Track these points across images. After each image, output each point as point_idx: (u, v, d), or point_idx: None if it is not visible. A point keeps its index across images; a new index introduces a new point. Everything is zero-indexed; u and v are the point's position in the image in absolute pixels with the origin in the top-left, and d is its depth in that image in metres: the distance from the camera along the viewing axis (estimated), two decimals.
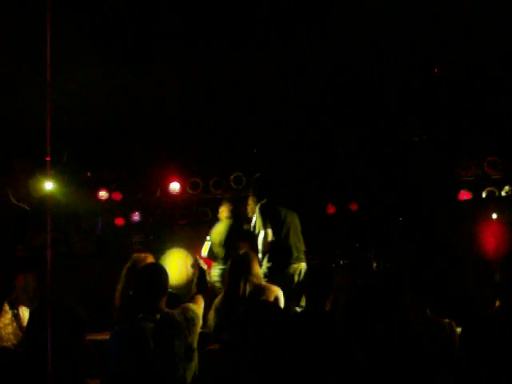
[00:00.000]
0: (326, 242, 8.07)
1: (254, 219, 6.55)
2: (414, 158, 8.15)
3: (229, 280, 4.83)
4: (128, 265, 4.86)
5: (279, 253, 6.27)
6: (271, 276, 6.05)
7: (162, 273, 3.77)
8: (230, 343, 4.15)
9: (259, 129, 7.80)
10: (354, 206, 8.65)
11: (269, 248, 6.28)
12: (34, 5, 3.96)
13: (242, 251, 5.01)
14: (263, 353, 3.38)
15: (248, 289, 4.66)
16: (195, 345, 3.65)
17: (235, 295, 4.64)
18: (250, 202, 6.91)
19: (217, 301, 4.85)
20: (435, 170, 8.21)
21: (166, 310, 3.65)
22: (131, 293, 4.36)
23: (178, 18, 5.15)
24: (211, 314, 4.78)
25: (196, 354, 3.68)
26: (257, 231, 6.40)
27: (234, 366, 3.63)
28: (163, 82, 6.47)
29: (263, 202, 6.47)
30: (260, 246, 6.33)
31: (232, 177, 8.44)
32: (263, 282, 4.88)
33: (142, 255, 4.91)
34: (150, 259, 4.87)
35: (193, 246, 8.83)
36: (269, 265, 6.25)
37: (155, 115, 7.36)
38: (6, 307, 4.19)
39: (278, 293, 4.73)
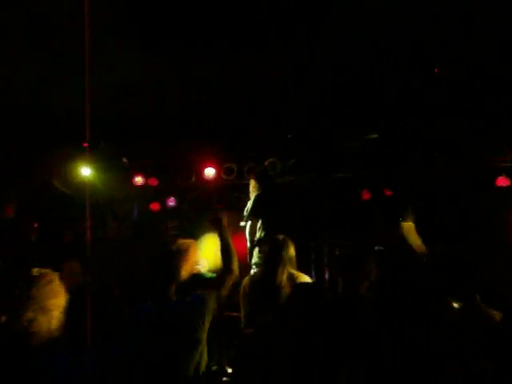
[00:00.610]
0: (361, 228, 8.04)
1: (248, 205, 6.63)
2: (451, 145, 8.04)
3: (265, 265, 4.83)
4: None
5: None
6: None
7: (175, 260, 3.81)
8: (267, 327, 4.16)
9: (293, 114, 7.78)
10: (388, 192, 8.57)
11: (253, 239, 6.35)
12: None
13: (280, 236, 5.01)
14: (307, 335, 3.38)
15: (284, 275, 4.66)
16: (202, 336, 3.63)
17: (272, 281, 4.63)
18: (252, 185, 7.01)
19: (246, 284, 4.84)
20: (472, 157, 8.08)
21: (175, 298, 3.68)
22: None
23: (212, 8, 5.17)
24: (241, 297, 4.80)
25: (203, 347, 3.67)
26: (245, 219, 6.49)
27: (271, 350, 3.65)
28: (197, 69, 6.50)
29: (260, 192, 6.54)
30: (247, 236, 6.41)
31: (266, 162, 8.42)
32: (294, 269, 4.88)
33: (188, 241, 4.99)
34: (193, 245, 4.95)
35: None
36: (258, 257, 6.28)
37: (190, 102, 7.40)
38: None
39: (307, 280, 4.73)
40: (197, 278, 4.87)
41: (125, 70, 6.20)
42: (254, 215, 6.54)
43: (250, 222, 6.42)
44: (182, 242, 5.04)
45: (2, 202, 7.62)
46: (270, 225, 6.47)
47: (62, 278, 3.25)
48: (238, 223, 8.54)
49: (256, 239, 6.54)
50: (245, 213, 6.75)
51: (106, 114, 6.65)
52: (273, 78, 6.86)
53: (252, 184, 7.09)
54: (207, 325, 3.72)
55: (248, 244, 6.31)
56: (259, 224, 6.44)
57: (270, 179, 7.04)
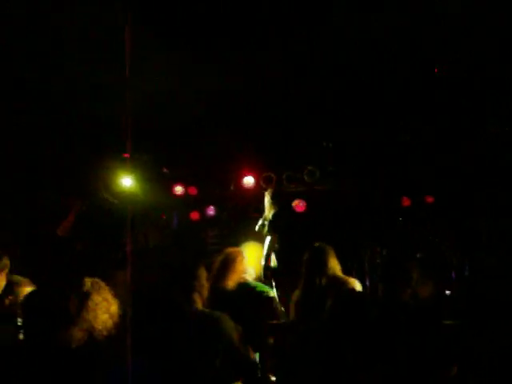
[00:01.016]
0: (402, 235, 7.97)
1: (262, 219, 6.67)
2: (492, 146, 7.90)
3: (305, 273, 4.83)
4: (220, 258, 5.00)
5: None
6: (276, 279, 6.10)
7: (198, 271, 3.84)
8: (307, 335, 4.15)
9: (331, 122, 7.77)
10: (429, 199, 8.46)
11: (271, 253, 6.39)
12: (114, 7, 4.10)
13: (317, 243, 4.99)
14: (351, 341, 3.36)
15: (324, 281, 4.64)
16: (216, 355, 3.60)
17: (311, 288, 4.63)
18: (266, 199, 7.05)
19: (296, 293, 4.86)
20: None
21: (201, 309, 3.68)
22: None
23: (253, 15, 5.21)
24: (292, 307, 4.80)
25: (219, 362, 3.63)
26: (264, 233, 6.52)
27: (312, 357, 3.63)
28: (236, 78, 6.54)
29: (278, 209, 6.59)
30: (265, 251, 6.44)
31: (305, 170, 8.42)
32: (340, 274, 4.84)
33: (236, 250, 5.05)
34: (241, 254, 5.01)
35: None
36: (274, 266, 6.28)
37: (229, 111, 7.45)
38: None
39: (356, 285, 4.69)
40: (243, 286, 4.90)
41: (165, 81, 6.28)
42: (273, 231, 6.60)
43: (269, 238, 6.49)
44: (230, 251, 5.10)
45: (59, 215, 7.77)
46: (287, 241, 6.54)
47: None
48: None
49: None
50: (258, 227, 6.81)
51: (146, 125, 6.76)
52: (311, 86, 6.86)
53: (267, 198, 7.14)
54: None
55: (263, 260, 6.35)
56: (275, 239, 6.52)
57: (283, 199, 7.10)
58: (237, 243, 8.66)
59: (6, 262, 3.62)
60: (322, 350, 3.43)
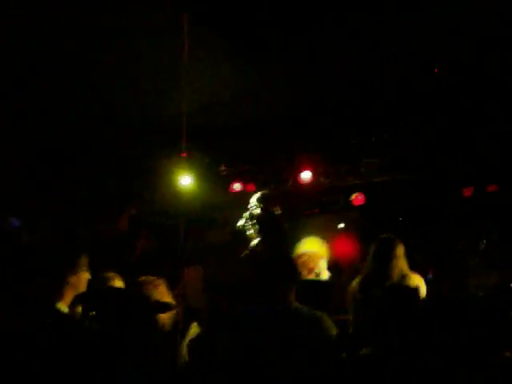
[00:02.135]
0: (463, 225, 7.79)
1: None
2: None
3: (373, 263, 4.71)
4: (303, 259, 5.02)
5: None
6: None
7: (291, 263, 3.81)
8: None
9: (389, 112, 7.66)
10: (492, 188, 8.22)
11: None
12: (171, 11, 4.15)
13: (388, 235, 4.88)
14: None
15: (393, 275, 4.55)
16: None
17: (380, 280, 4.50)
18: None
19: (354, 286, 4.77)
20: None
21: (295, 304, 3.62)
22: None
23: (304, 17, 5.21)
24: (350, 300, 4.73)
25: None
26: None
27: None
28: (290, 72, 6.54)
29: None
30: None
31: (363, 163, 8.33)
32: (405, 268, 4.72)
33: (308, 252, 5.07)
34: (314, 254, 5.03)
35: (326, 234, 8.85)
36: None
37: (285, 105, 7.45)
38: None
39: (419, 281, 4.58)
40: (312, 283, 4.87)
41: (220, 79, 6.33)
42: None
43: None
44: (303, 253, 5.10)
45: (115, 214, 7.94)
46: None
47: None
48: (336, 226, 8.49)
49: None
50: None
51: (203, 123, 6.84)
52: (366, 78, 6.79)
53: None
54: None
55: None
56: None
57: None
58: (296, 239, 8.68)
59: (81, 261, 3.71)
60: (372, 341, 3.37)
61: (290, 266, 3.82)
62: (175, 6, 4.64)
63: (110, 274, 4.29)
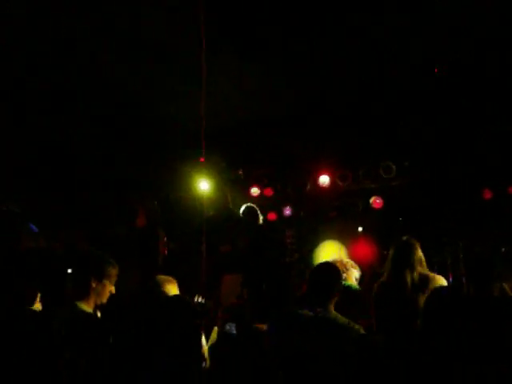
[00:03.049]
0: (484, 229, 7.73)
1: None
2: None
3: (392, 267, 4.69)
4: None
5: None
6: None
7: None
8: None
9: (406, 115, 7.63)
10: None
11: None
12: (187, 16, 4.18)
13: (405, 237, 4.87)
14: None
15: (414, 277, 4.52)
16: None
17: (399, 283, 4.49)
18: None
19: (376, 289, 4.74)
20: None
21: (333, 313, 3.68)
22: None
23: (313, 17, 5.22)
24: (372, 303, 4.71)
25: None
26: None
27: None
28: (304, 75, 6.55)
29: None
30: None
31: (381, 166, 8.30)
32: (426, 271, 4.70)
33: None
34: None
35: (344, 238, 8.83)
36: None
37: (300, 109, 7.45)
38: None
39: (443, 282, 4.55)
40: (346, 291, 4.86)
41: (239, 85, 6.35)
42: None
43: None
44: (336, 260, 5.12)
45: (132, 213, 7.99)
46: None
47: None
48: (356, 229, 8.47)
49: None
50: None
51: (221, 128, 6.87)
52: (384, 80, 6.78)
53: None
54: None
55: None
56: None
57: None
58: (315, 243, 8.67)
59: (110, 270, 3.76)
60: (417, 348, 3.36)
61: (334, 277, 3.88)
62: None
63: (164, 277, 4.40)
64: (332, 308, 3.72)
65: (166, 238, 8.08)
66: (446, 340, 3.27)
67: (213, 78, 4.97)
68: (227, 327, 3.59)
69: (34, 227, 8.25)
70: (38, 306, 4.76)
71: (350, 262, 5.34)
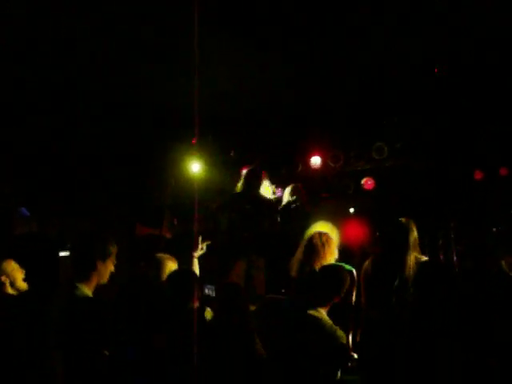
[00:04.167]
0: (475, 209, 7.77)
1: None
2: None
3: (392, 249, 4.69)
4: (309, 242, 5.03)
5: None
6: None
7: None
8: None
9: (398, 97, 7.64)
10: (503, 171, 8.18)
11: None
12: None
13: (403, 219, 4.88)
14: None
15: (408, 260, 4.54)
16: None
17: (400, 265, 4.48)
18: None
19: (367, 267, 4.75)
20: None
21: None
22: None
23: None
24: (362, 281, 4.74)
25: None
26: None
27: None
28: (301, 61, 6.55)
29: None
30: None
31: (373, 147, 8.31)
32: (417, 252, 4.72)
33: (324, 236, 5.08)
34: (328, 235, 5.04)
35: (335, 219, 8.85)
36: None
37: (293, 92, 7.44)
38: None
39: None
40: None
41: (231, 65, 6.33)
42: None
43: None
44: (319, 234, 5.12)
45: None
46: None
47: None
48: (347, 210, 8.48)
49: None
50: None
51: (212, 109, 6.84)
52: (371, 64, 6.78)
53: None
54: None
55: None
56: None
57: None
58: (307, 224, 8.67)
59: (111, 249, 3.75)
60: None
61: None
62: None
63: (164, 256, 4.50)
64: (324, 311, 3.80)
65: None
66: (437, 313, 3.30)
67: (207, 62, 4.96)
68: (206, 290, 3.62)
69: (25, 211, 8.22)
70: (21, 285, 4.77)
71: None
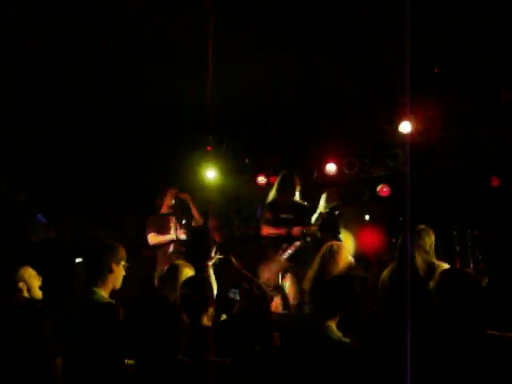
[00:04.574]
0: (491, 216, 7.69)
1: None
2: None
3: (400, 254, 4.70)
4: (321, 253, 5.02)
5: None
6: None
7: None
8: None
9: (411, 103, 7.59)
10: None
11: None
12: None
13: (422, 226, 4.87)
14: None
15: (419, 265, 4.53)
16: None
17: (406, 269, 4.50)
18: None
19: (385, 277, 4.76)
20: None
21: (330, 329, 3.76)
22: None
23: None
24: (381, 290, 4.73)
25: None
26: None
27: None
28: (315, 67, 6.53)
29: None
30: None
31: (388, 154, 8.26)
32: (434, 259, 4.71)
33: (335, 245, 5.07)
34: (339, 244, 5.03)
35: (351, 226, 8.81)
36: None
37: (308, 99, 7.42)
38: None
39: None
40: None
41: (245, 73, 6.33)
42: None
43: None
44: (331, 244, 5.12)
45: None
46: None
47: None
48: (363, 217, 8.44)
49: None
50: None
51: (227, 116, 6.84)
52: (387, 73, 6.75)
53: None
54: None
55: None
56: None
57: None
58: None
59: (123, 253, 3.78)
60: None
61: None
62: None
63: (181, 262, 4.57)
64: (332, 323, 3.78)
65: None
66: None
67: (221, 66, 4.96)
68: (231, 294, 3.61)
69: (42, 218, 8.27)
70: (37, 293, 4.82)
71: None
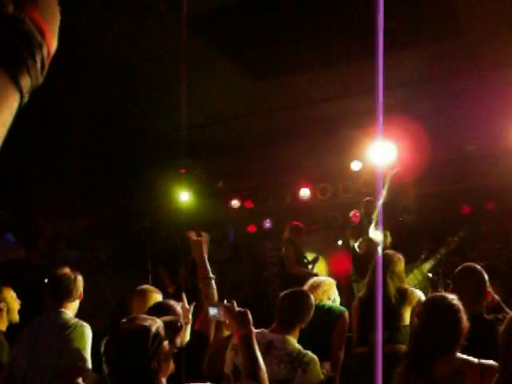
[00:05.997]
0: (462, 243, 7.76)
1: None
2: None
3: (370, 281, 4.71)
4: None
5: None
6: None
7: None
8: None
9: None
10: (490, 206, 8.22)
11: None
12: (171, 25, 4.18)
13: (388, 251, 4.90)
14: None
15: (391, 290, 4.53)
16: None
17: (382, 296, 4.47)
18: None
19: (356, 303, 4.77)
20: None
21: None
22: None
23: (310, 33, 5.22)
24: (353, 316, 4.72)
25: None
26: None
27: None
28: (289, 94, 6.57)
29: None
30: None
31: (361, 181, 8.32)
32: (405, 285, 4.72)
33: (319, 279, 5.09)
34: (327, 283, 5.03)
35: (324, 251, 8.83)
36: None
37: (283, 125, 7.46)
38: None
39: (422, 297, 4.56)
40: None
41: (221, 98, 6.34)
42: None
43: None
44: (315, 279, 5.09)
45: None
46: None
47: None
48: (336, 242, 8.46)
49: None
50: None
51: (201, 140, 6.85)
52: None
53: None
54: None
55: None
56: None
57: None
58: None
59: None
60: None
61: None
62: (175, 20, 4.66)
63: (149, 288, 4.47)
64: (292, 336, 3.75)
65: None
66: None
67: (195, 88, 4.98)
68: (211, 312, 3.53)
69: (11, 237, 8.16)
70: (15, 318, 4.71)
71: (332, 282, 5.30)
